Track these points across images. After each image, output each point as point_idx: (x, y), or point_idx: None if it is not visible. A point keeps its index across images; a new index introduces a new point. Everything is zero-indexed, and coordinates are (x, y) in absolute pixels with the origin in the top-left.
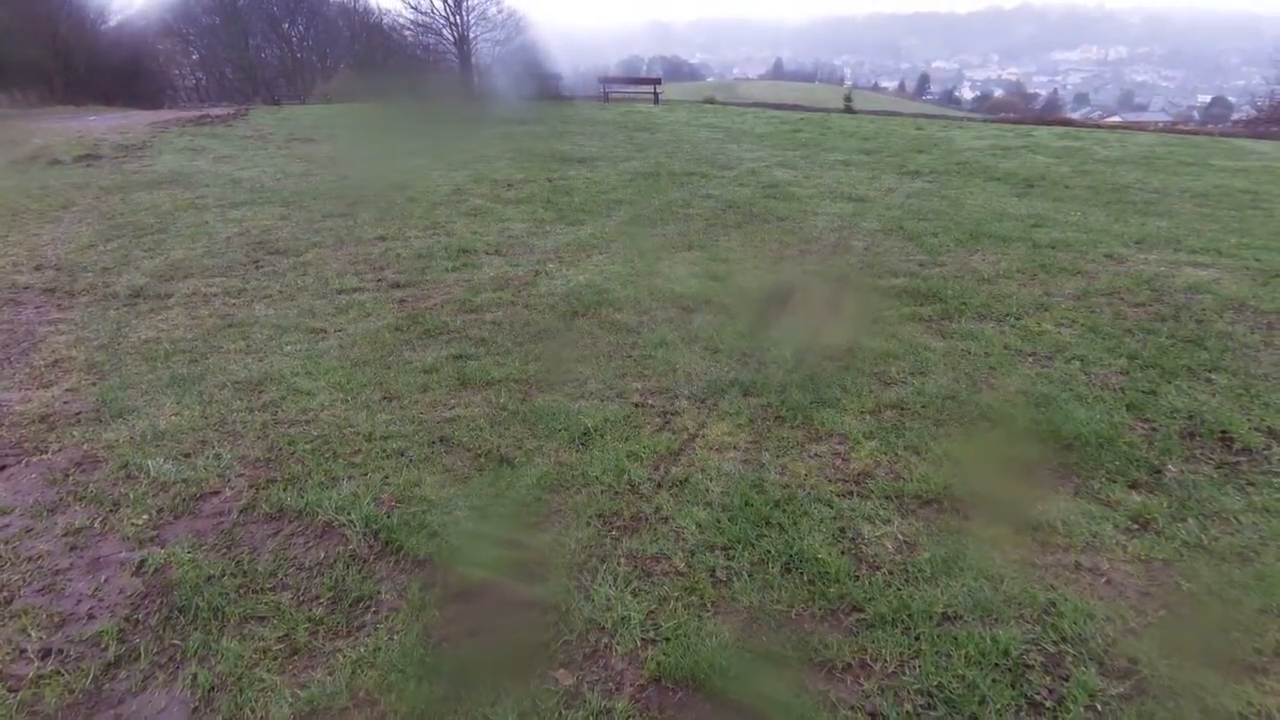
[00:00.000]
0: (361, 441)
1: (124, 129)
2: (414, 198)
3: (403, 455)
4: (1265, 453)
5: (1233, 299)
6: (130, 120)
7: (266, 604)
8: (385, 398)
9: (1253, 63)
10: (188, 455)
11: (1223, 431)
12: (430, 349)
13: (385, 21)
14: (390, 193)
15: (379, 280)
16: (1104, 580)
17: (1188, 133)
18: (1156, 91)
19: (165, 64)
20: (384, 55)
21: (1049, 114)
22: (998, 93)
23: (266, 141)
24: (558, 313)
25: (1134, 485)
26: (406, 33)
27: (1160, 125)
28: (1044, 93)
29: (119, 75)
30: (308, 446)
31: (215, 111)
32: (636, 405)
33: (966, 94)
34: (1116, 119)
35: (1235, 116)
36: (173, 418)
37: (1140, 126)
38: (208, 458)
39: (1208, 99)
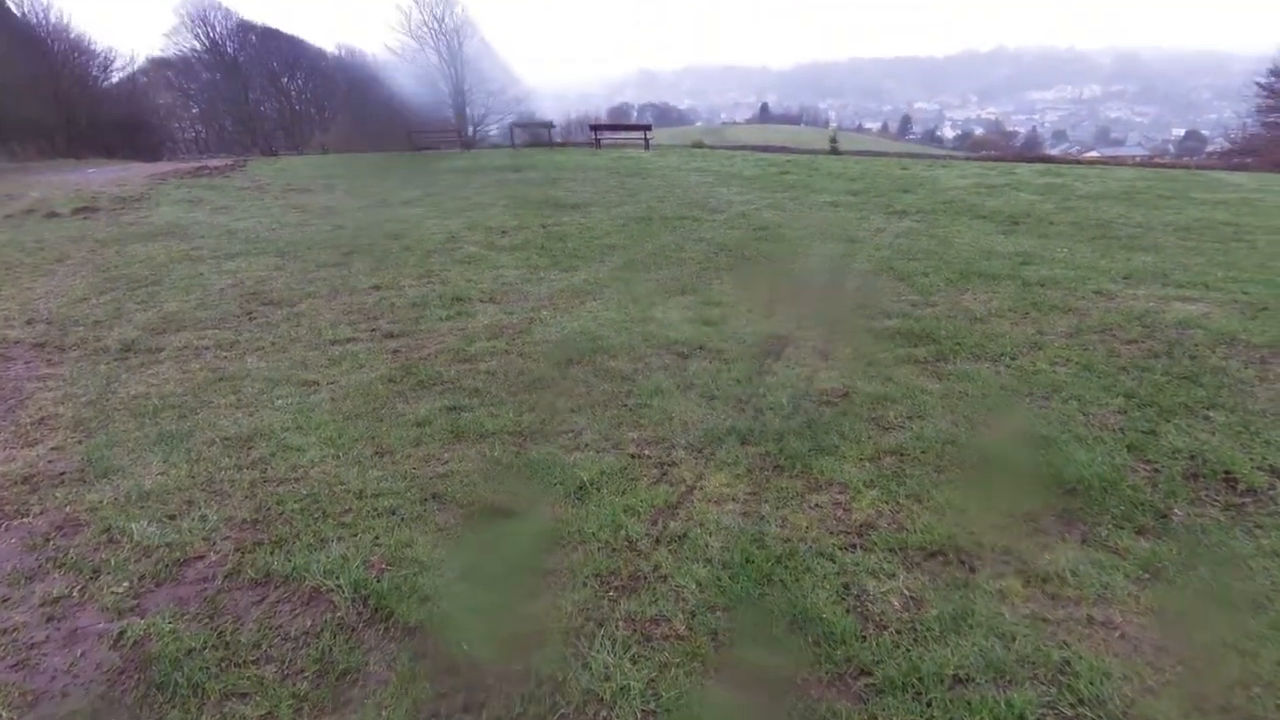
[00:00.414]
0: (352, 500)
1: (122, 181)
2: (409, 246)
3: (394, 514)
4: (1270, 493)
5: (1224, 333)
6: (129, 173)
7: (249, 679)
8: (377, 452)
9: (1223, 97)
10: (172, 517)
11: (1226, 472)
12: (424, 400)
13: (382, 75)
14: (385, 241)
15: (373, 330)
16: (1118, 635)
17: (1165, 166)
18: (1131, 127)
19: (166, 118)
20: (380, 107)
21: (1029, 151)
22: (978, 131)
23: (263, 192)
24: (552, 361)
25: (1141, 531)
26: (403, 85)
27: (1138, 159)
28: (1023, 130)
29: (119, 129)
30: (296, 506)
31: (213, 163)
32: (633, 456)
33: (948, 133)
34: (1095, 154)
35: (1209, 149)
36: (159, 477)
37: (1119, 161)
38: (193, 519)
39: (1181, 133)
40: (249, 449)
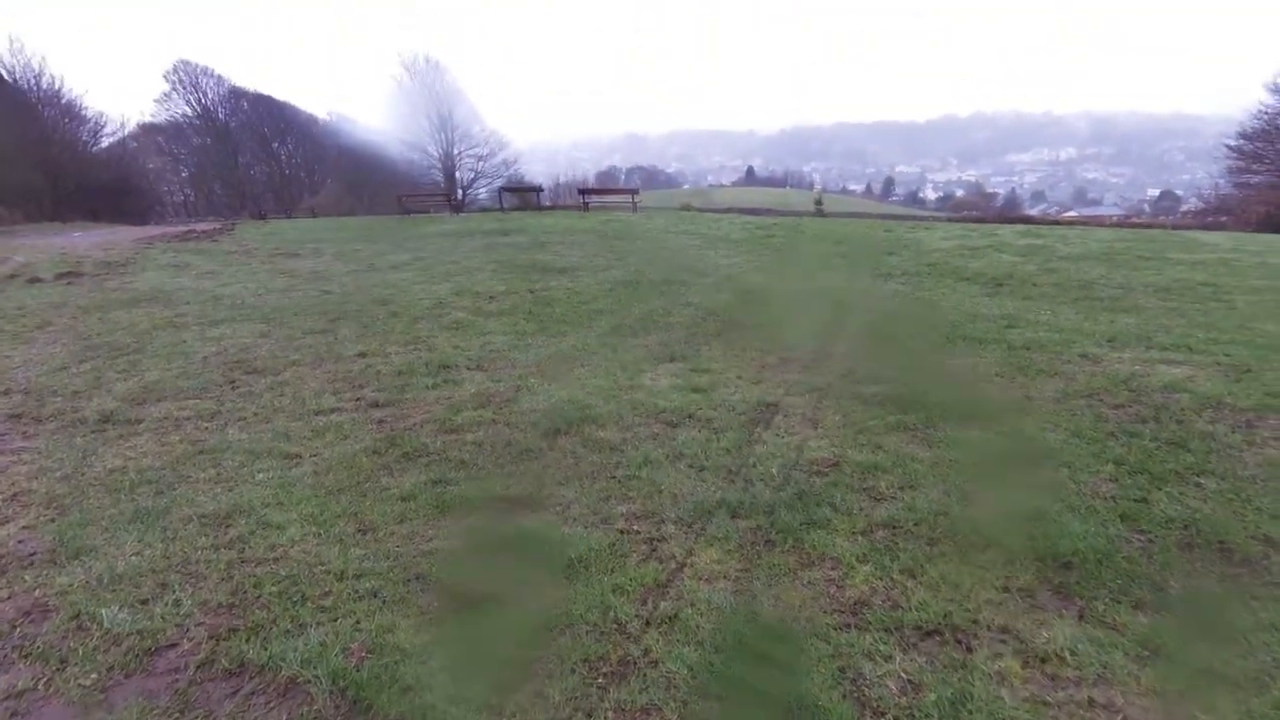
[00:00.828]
0: (332, 581)
1: (108, 245)
2: (396, 312)
3: (376, 596)
4: (1264, 562)
5: (1209, 397)
6: (116, 236)
7: None
8: (360, 530)
9: (1195, 159)
10: (145, 602)
11: (1220, 541)
12: (409, 474)
13: (372, 140)
14: (372, 307)
15: (358, 400)
16: (1120, 718)
17: (1142, 226)
18: (1108, 187)
19: (154, 181)
20: (370, 171)
21: (1009, 211)
22: (959, 193)
23: (251, 257)
24: (540, 431)
25: (1139, 605)
26: (392, 150)
27: (1115, 219)
28: (1002, 192)
29: (108, 193)
30: (274, 589)
31: (201, 227)
32: (621, 531)
33: (930, 195)
34: (1073, 214)
35: (1184, 208)
36: (133, 558)
37: (1097, 221)
38: (166, 604)
39: (1156, 193)
40: (227, 527)
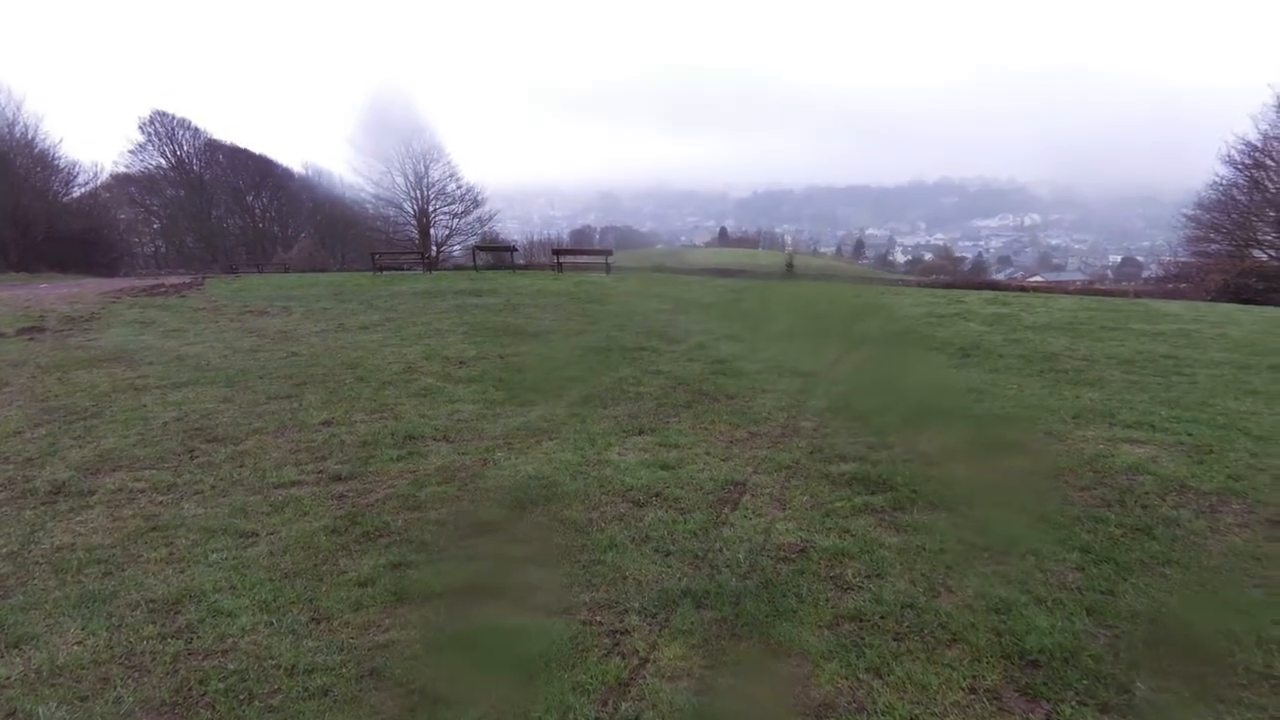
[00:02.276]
0: (282, 678)
1: (74, 298)
2: (363, 377)
3: (326, 694)
4: (1230, 660)
5: (1173, 479)
6: (83, 288)
7: None
8: (314, 619)
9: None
10: (84, 699)
11: (1186, 637)
12: (368, 555)
13: (347, 195)
14: (340, 371)
15: (319, 472)
16: None
17: (1104, 293)
18: (1071, 253)
19: (125, 232)
20: (345, 226)
21: (976, 276)
22: (928, 256)
23: (219, 314)
24: (504, 509)
25: (1105, 708)
26: (367, 206)
27: (1079, 285)
28: (970, 256)
29: (77, 243)
30: (221, 685)
31: (170, 280)
32: (584, 623)
33: (899, 257)
34: (1039, 279)
35: (1145, 274)
36: (75, 647)
37: (1061, 287)
38: (106, 701)
39: (1118, 259)
40: (176, 614)
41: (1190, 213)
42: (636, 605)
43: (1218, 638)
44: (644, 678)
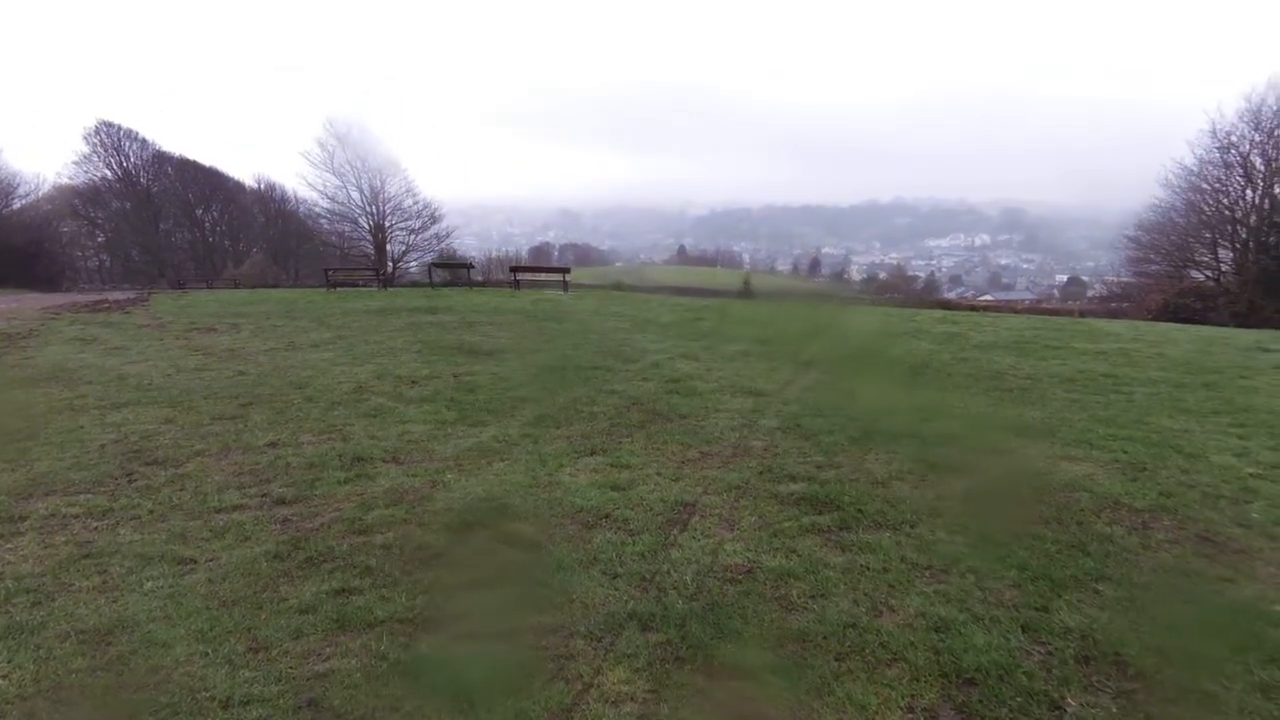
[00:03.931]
0: (216, 710)
1: (12, 314)
2: (312, 397)
3: None
4: (1158, 676)
5: (1108, 496)
6: (22, 304)
7: None
8: (251, 648)
9: (1098, 247)
10: None
11: (1116, 653)
12: (310, 582)
13: (301, 210)
14: (288, 391)
15: (263, 496)
16: None
17: (1050, 312)
18: (1019, 272)
19: (68, 245)
20: (298, 241)
21: (928, 294)
22: (882, 275)
23: (164, 331)
24: (452, 532)
25: None
26: (322, 221)
27: (1026, 304)
28: (923, 275)
29: (17, 257)
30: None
31: (114, 296)
32: (529, 647)
33: (855, 275)
34: (988, 297)
35: (1090, 293)
36: (0, 681)
37: (1010, 306)
38: None
39: (1064, 278)
40: (107, 645)
41: (1131, 234)
42: (583, 629)
43: (1147, 655)
44: (588, 703)
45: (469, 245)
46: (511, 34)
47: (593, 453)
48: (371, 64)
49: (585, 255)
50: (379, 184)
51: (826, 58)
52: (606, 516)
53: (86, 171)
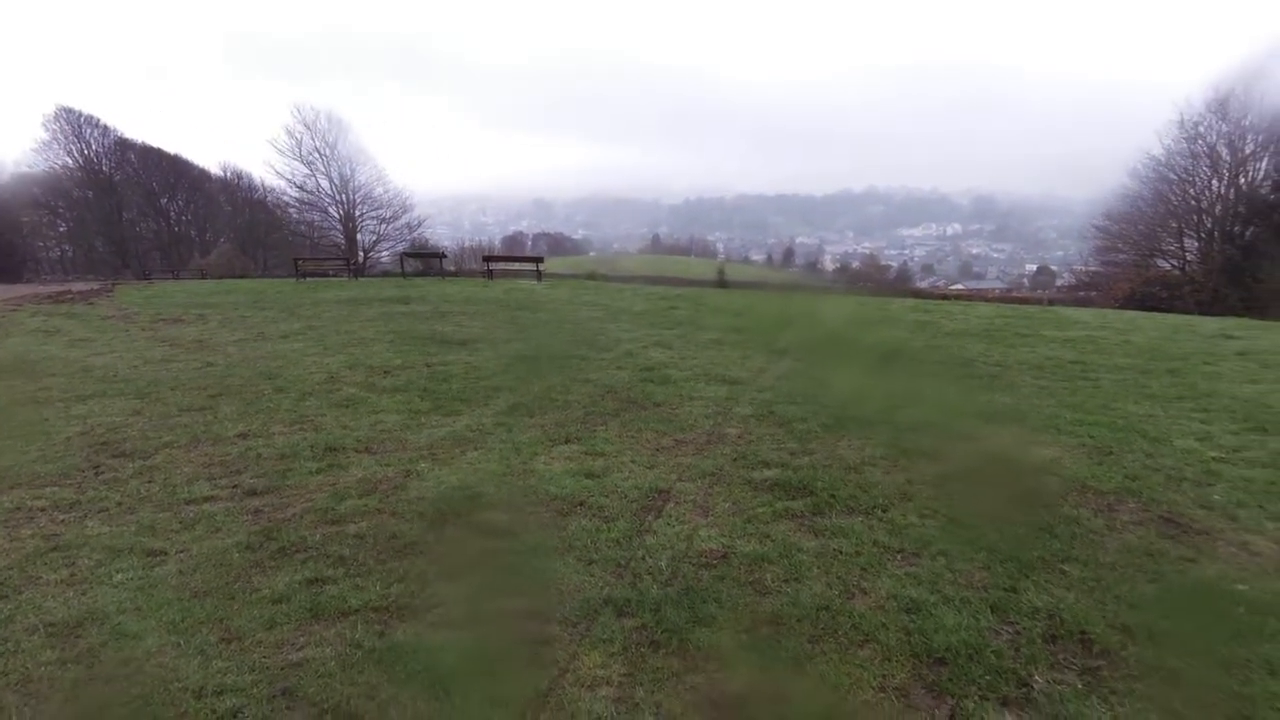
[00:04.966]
0: (189, 701)
1: None
2: (283, 387)
3: (236, 716)
4: (1122, 654)
5: (1075, 480)
6: None
7: None
8: (224, 639)
9: (1067, 237)
10: None
11: (1082, 632)
12: (283, 572)
13: (269, 199)
14: (258, 382)
15: (234, 487)
16: None
17: (1020, 301)
18: (990, 262)
19: (28, 236)
20: (266, 231)
21: (901, 284)
22: (855, 264)
23: (130, 322)
24: (427, 520)
25: (1006, 702)
26: (291, 210)
27: (997, 293)
28: (895, 264)
29: None
30: (123, 712)
31: (78, 288)
32: (504, 634)
33: (828, 264)
34: (960, 287)
35: (1059, 283)
36: None
37: (981, 295)
38: None
39: (1034, 268)
40: (77, 637)
41: (1099, 224)
42: (558, 614)
43: (1111, 633)
44: (564, 687)
45: (441, 234)
46: (470, 26)
47: (567, 441)
48: (341, 51)
49: (559, 245)
50: (349, 172)
51: (795, 32)
52: (581, 504)
53: (47, 159)
